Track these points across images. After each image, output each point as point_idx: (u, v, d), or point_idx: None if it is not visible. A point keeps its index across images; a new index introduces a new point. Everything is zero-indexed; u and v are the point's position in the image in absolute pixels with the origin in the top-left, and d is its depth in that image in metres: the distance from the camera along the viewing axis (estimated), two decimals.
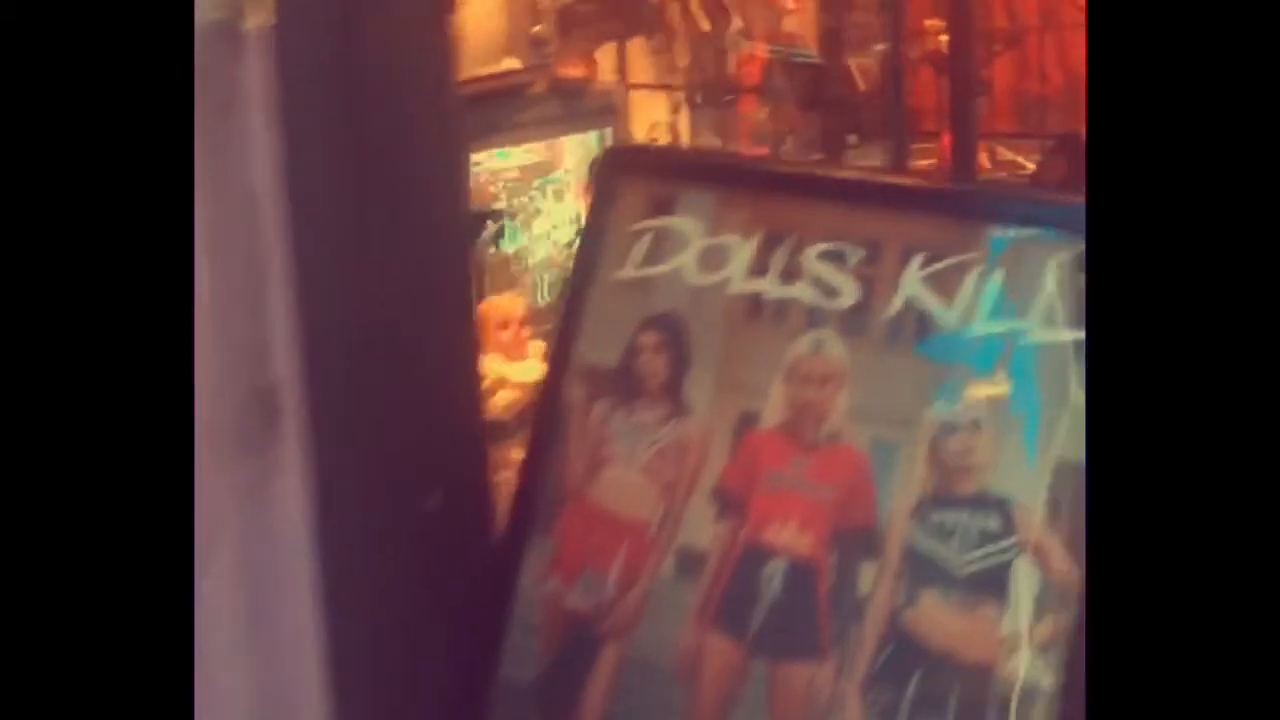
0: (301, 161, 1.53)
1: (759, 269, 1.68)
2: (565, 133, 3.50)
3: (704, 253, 1.72)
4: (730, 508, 1.63)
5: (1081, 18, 6.42)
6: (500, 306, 3.14)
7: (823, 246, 1.65)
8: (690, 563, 1.64)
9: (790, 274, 1.66)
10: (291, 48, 1.50)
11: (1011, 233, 1.55)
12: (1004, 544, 1.47)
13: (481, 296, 2.96)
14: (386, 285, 1.65)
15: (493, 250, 3.00)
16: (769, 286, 1.67)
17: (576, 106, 3.40)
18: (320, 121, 1.57)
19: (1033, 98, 6.90)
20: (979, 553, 1.48)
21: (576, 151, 3.58)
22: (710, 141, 5.73)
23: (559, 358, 1.79)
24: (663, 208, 1.76)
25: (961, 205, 1.62)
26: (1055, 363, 1.49)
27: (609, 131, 3.59)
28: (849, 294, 1.62)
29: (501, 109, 3.24)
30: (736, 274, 1.70)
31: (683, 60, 5.63)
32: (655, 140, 4.26)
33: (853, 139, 6.06)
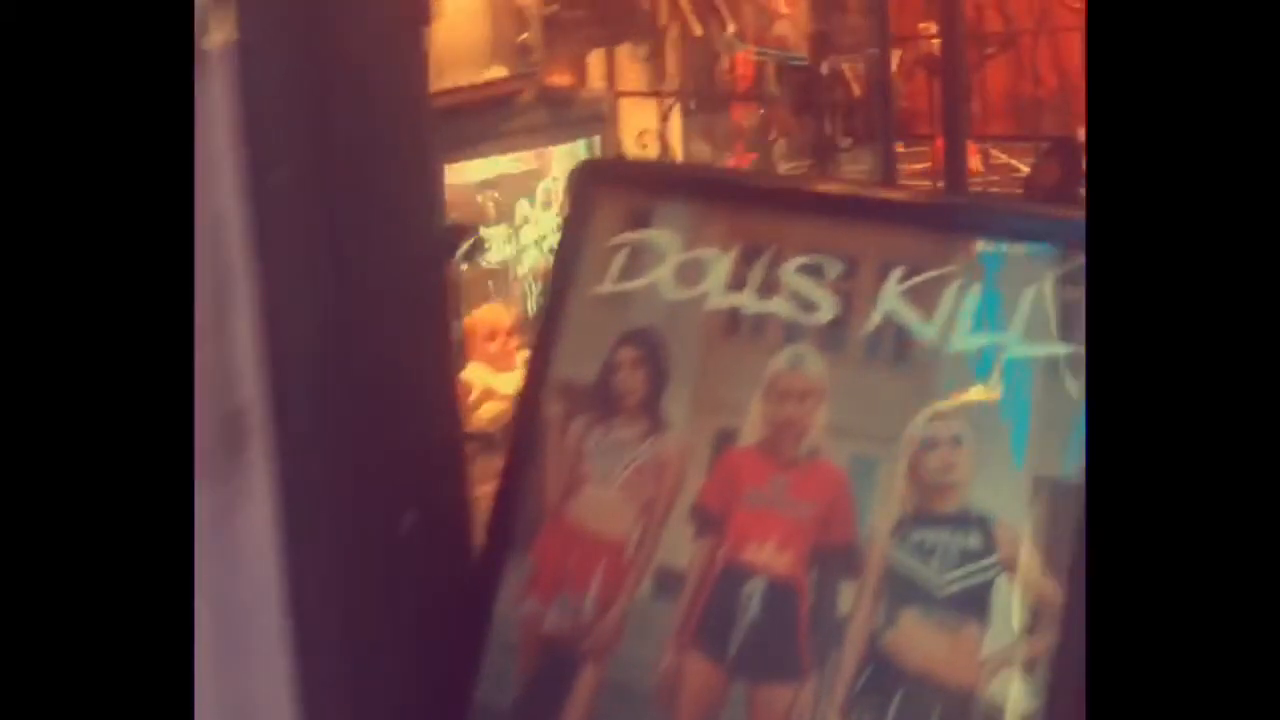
0: (267, 181, 1.51)
1: (736, 283, 1.66)
2: (554, 141, 3.48)
3: (681, 267, 1.70)
4: (709, 526, 1.60)
5: (1075, 20, 6.41)
6: (488, 317, 3.12)
7: (801, 260, 1.63)
8: (669, 582, 1.62)
9: (768, 288, 1.64)
10: (255, 65, 1.48)
11: (993, 246, 1.52)
12: (985, 563, 1.44)
13: (458, 313, 2.94)
14: (358, 304, 1.63)
15: (466, 266, 2.98)
16: (747, 301, 1.65)
17: (565, 114, 3.37)
18: (287, 139, 1.55)
19: (1027, 100, 6.88)
20: (960, 572, 1.45)
21: (565, 160, 3.56)
22: (703, 146, 5.71)
23: (535, 374, 1.76)
24: (639, 221, 1.74)
25: (940, 218, 1.59)
26: (1037, 377, 1.46)
27: (597, 140, 3.57)
28: (827, 308, 1.60)
29: (489, 118, 3.21)
30: (714, 288, 1.67)
31: (675, 65, 5.62)
32: (645, 146, 4.23)
33: (846, 142, 6.05)
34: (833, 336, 1.59)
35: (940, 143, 5.90)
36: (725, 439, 1.63)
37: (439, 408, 1.72)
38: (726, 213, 1.70)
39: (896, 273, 1.57)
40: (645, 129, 4.23)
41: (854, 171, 5.83)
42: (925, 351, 1.53)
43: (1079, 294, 1.46)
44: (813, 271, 1.62)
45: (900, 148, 6.45)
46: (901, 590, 1.48)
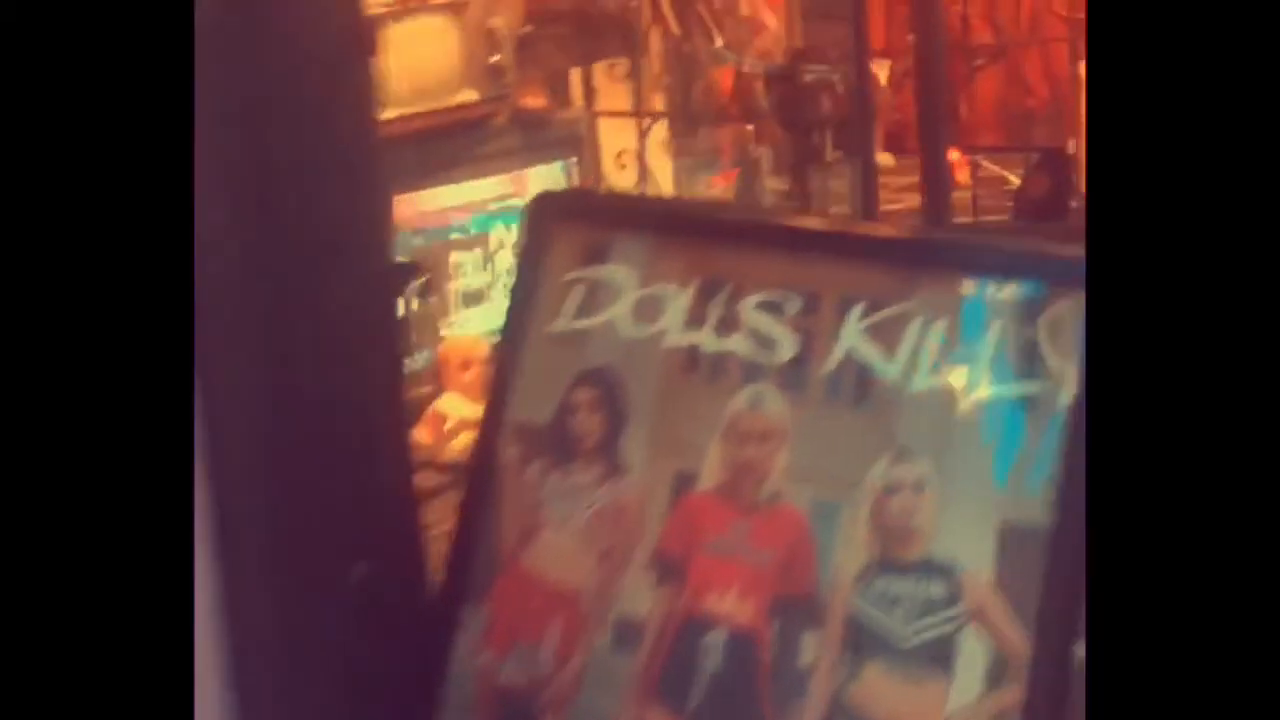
0: (205, 222, 1.45)
1: (695, 320, 1.60)
2: (530, 164, 3.42)
3: (639, 303, 1.64)
4: (669, 574, 1.55)
5: (1066, 30, 6.36)
6: (461, 346, 3.06)
7: (760, 296, 1.57)
8: (628, 633, 1.56)
9: (727, 325, 1.58)
10: (198, 99, 1.42)
11: (958, 282, 1.47)
12: (950, 613, 1.39)
13: (409, 352, 2.88)
14: (302, 346, 1.57)
15: (416, 305, 2.92)
16: (705, 339, 1.59)
17: (540, 137, 3.32)
18: (226, 176, 1.49)
19: (1018, 111, 6.83)
20: (924, 622, 1.39)
21: (541, 182, 3.50)
22: (686, 162, 5.65)
23: (491, 416, 1.71)
24: (596, 256, 1.68)
25: (903, 253, 1.53)
26: (1002, 418, 1.41)
27: (574, 161, 3.51)
28: (787, 346, 1.54)
29: (461, 142, 3.16)
30: (672, 326, 1.62)
31: (660, 81, 5.56)
32: (624, 166, 4.17)
33: (835, 155, 6.00)
34: (793, 376, 1.53)
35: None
36: (684, 482, 1.57)
37: (390, 452, 1.66)
38: (685, 247, 1.65)
39: (858, 309, 1.51)
40: (623, 149, 4.18)
41: (841, 186, 5.77)
42: (887, 391, 1.47)
43: (1044, 331, 1.40)
44: (772, 308, 1.56)
45: (891, 161, 6.40)
46: (865, 641, 1.42)
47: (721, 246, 1.64)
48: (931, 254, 1.52)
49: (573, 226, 1.72)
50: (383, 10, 3.05)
